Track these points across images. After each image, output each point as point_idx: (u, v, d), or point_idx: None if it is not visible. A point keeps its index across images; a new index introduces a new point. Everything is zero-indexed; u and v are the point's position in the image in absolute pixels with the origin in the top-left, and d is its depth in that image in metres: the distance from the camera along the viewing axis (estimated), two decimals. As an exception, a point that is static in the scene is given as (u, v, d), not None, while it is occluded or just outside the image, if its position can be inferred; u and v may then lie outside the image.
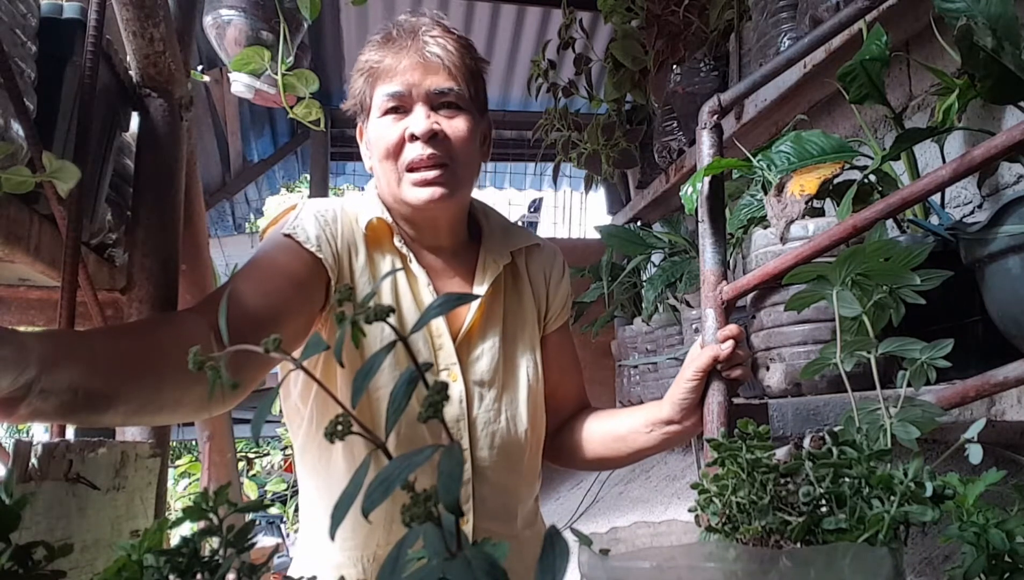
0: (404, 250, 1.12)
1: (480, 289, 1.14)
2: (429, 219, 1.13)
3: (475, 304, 1.13)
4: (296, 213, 1.09)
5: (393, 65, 1.07)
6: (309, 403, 1.11)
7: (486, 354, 1.14)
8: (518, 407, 1.14)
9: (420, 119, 1.05)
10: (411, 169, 1.06)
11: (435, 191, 1.06)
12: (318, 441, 1.11)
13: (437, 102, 1.07)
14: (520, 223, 1.34)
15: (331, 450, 1.09)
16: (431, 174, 1.06)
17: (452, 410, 1.10)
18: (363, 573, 1.08)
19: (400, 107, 1.07)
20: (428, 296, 1.12)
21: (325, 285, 1.06)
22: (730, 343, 1.02)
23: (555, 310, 1.25)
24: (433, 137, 1.05)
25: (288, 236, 1.05)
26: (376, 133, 1.09)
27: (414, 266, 1.12)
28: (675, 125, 2.47)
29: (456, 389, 1.10)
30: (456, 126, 1.07)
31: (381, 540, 1.08)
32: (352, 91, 1.13)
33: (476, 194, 1.25)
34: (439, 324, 1.11)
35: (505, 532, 1.11)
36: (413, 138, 1.05)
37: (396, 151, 1.07)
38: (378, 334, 1.05)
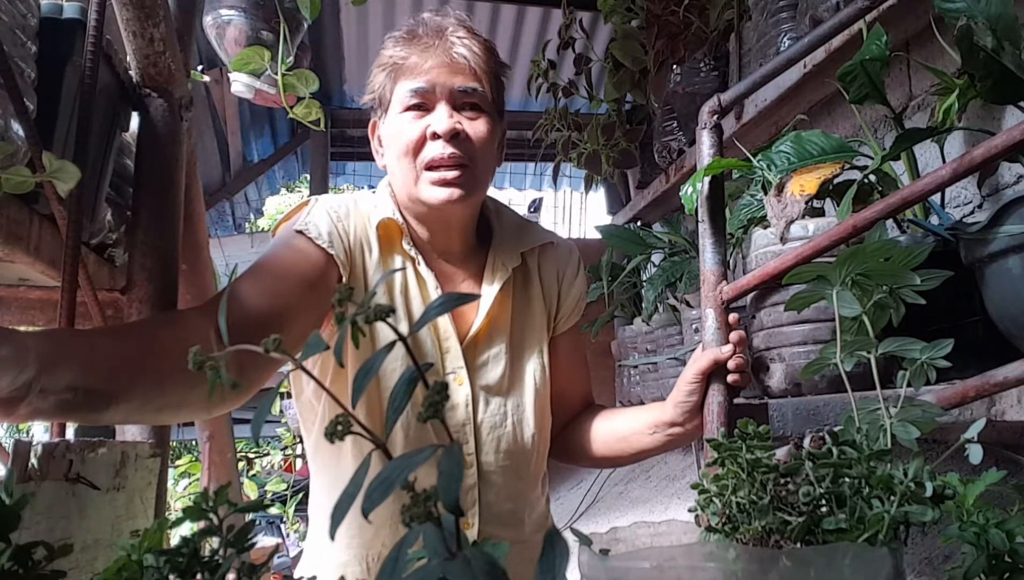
0: (413, 253, 1.11)
1: (488, 293, 1.13)
2: (443, 220, 1.12)
3: (483, 309, 1.13)
4: (308, 209, 1.09)
5: (419, 63, 1.06)
6: (322, 400, 1.11)
7: (493, 358, 1.13)
8: (525, 412, 1.14)
9: (443, 118, 1.05)
10: (430, 168, 1.05)
11: (452, 192, 1.05)
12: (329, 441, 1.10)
13: (460, 102, 1.07)
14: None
15: (342, 448, 1.09)
16: (450, 174, 1.05)
17: (458, 414, 1.09)
18: (367, 573, 1.08)
19: (423, 104, 1.06)
20: None
21: (336, 282, 1.05)
22: (730, 347, 1.02)
23: (566, 310, 1.23)
24: (455, 137, 1.05)
25: (300, 232, 1.05)
26: (395, 129, 1.07)
27: (423, 269, 1.11)
28: (675, 125, 2.47)
29: (462, 393, 1.10)
30: (477, 128, 1.07)
31: (387, 540, 1.08)
32: (371, 86, 1.12)
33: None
34: (447, 327, 1.10)
35: (511, 537, 1.10)
36: (435, 136, 1.04)
37: (416, 148, 1.06)
38: (388, 335, 1.05)
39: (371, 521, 0.44)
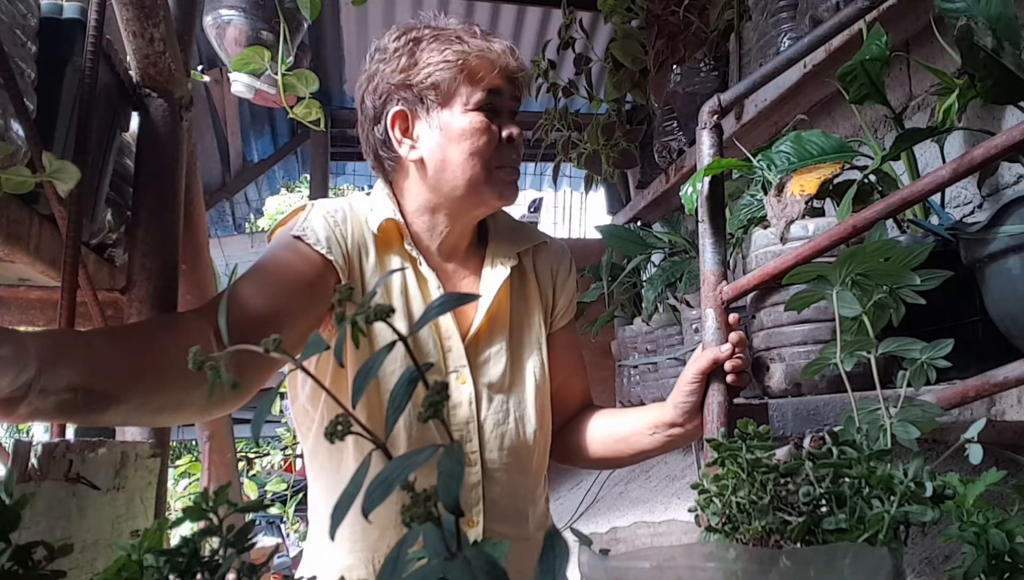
0: (414, 253, 1.12)
1: (487, 292, 1.14)
2: (477, 217, 1.16)
3: (482, 307, 1.13)
4: (305, 214, 1.09)
5: (497, 69, 1.09)
6: (319, 406, 1.11)
7: (494, 356, 1.14)
8: (526, 408, 1.15)
9: (512, 124, 1.11)
10: (503, 169, 1.11)
11: (514, 192, 1.13)
12: (328, 443, 1.10)
13: (512, 110, 1.13)
14: (522, 222, 1.34)
15: (341, 452, 1.09)
16: (515, 176, 1.13)
17: (462, 412, 1.10)
18: (372, 575, 1.08)
19: (494, 108, 1.10)
20: None
21: (334, 286, 1.05)
22: (728, 347, 1.03)
23: (561, 308, 1.25)
24: (520, 143, 1.13)
25: (297, 238, 1.05)
26: (467, 126, 1.08)
27: (424, 269, 1.12)
28: (675, 125, 2.47)
29: (465, 391, 1.10)
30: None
31: (392, 542, 1.07)
32: (427, 75, 1.08)
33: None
34: (449, 326, 1.11)
35: (515, 534, 1.11)
36: (511, 140, 1.10)
37: (492, 149, 1.09)
38: (389, 336, 1.05)
39: (371, 521, 0.44)
